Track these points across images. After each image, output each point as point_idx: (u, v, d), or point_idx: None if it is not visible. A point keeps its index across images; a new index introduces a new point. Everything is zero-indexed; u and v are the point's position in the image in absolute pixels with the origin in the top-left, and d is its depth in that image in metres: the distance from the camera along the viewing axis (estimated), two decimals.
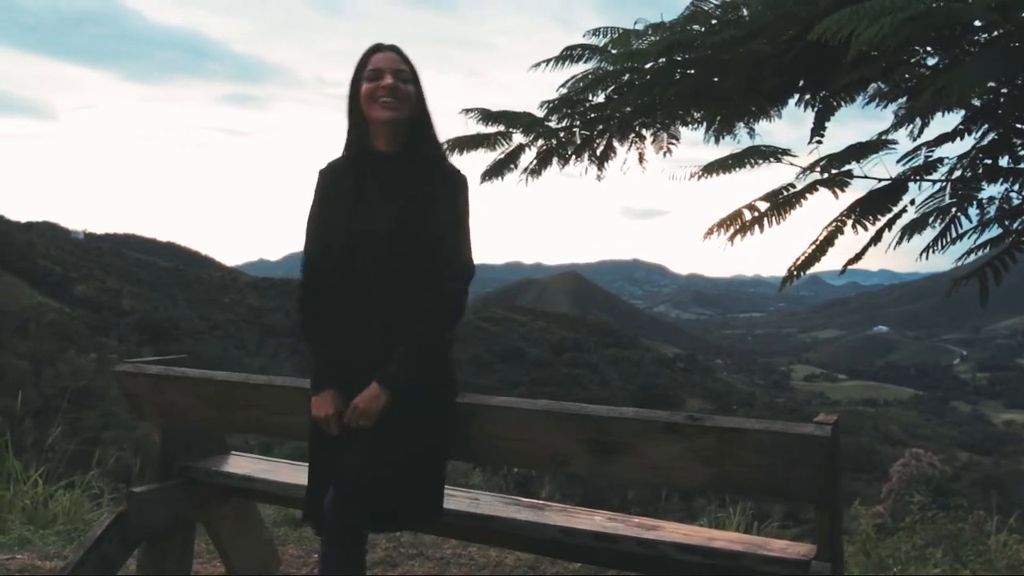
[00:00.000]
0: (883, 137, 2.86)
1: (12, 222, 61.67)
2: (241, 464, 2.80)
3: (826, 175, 3.16)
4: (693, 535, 2.23)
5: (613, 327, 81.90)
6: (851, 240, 3.09)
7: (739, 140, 3.81)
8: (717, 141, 3.80)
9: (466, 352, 56.66)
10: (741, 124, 3.77)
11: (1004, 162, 2.69)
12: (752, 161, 3.34)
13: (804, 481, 1.87)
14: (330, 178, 2.19)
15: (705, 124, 3.83)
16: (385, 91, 2.07)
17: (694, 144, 3.66)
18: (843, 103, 3.09)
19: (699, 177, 3.35)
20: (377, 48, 2.12)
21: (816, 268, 3.05)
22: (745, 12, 3.21)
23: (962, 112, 2.99)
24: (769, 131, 3.67)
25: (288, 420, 2.39)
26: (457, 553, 3.76)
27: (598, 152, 4.08)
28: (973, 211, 2.90)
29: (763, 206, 3.26)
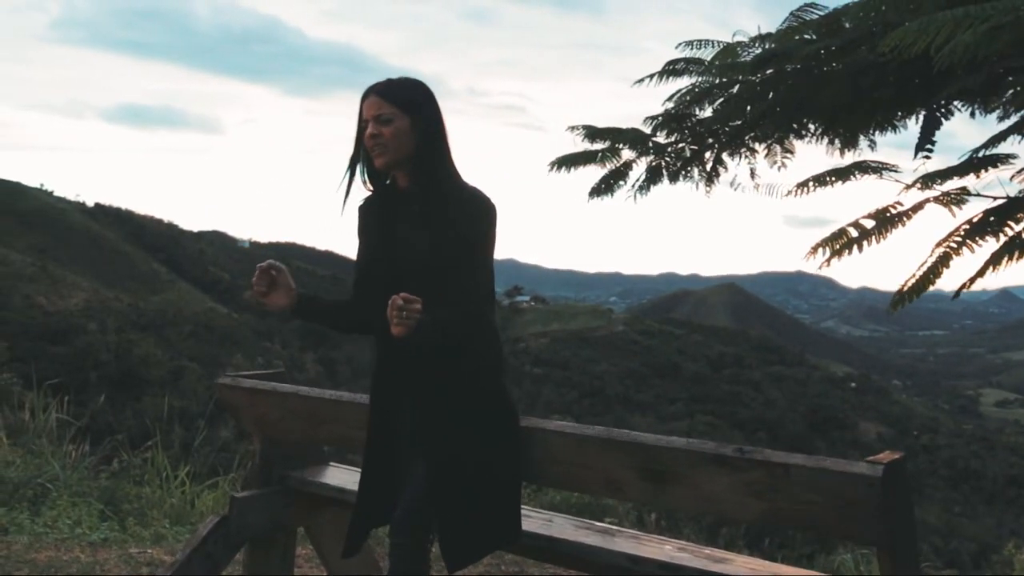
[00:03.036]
0: (984, 152, 2.64)
1: (185, 231, 66.44)
2: (337, 475, 2.95)
3: (937, 191, 2.97)
4: (760, 570, 2.16)
5: (776, 343, 78.59)
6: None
7: (860, 153, 3.64)
8: (842, 154, 3.65)
9: (620, 365, 56.06)
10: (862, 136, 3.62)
11: None
12: (855, 175, 3.19)
13: (858, 522, 1.76)
14: (366, 215, 2.27)
15: (824, 137, 3.69)
16: (371, 142, 2.12)
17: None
18: (950, 115, 2.89)
19: (796, 193, 3.23)
20: (364, 95, 2.15)
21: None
22: (847, 23, 3.08)
23: None
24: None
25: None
26: (557, 575, 3.77)
27: (707, 167, 4.00)
28: None
29: (869, 224, 3.11)
